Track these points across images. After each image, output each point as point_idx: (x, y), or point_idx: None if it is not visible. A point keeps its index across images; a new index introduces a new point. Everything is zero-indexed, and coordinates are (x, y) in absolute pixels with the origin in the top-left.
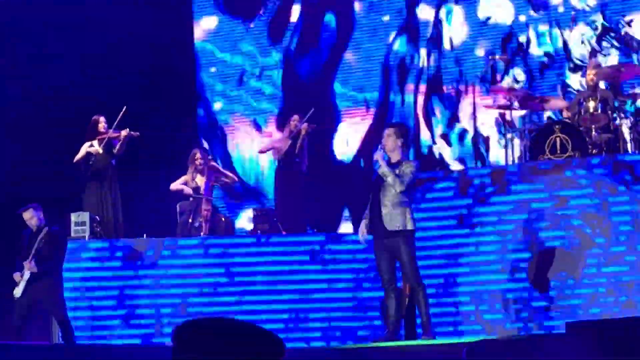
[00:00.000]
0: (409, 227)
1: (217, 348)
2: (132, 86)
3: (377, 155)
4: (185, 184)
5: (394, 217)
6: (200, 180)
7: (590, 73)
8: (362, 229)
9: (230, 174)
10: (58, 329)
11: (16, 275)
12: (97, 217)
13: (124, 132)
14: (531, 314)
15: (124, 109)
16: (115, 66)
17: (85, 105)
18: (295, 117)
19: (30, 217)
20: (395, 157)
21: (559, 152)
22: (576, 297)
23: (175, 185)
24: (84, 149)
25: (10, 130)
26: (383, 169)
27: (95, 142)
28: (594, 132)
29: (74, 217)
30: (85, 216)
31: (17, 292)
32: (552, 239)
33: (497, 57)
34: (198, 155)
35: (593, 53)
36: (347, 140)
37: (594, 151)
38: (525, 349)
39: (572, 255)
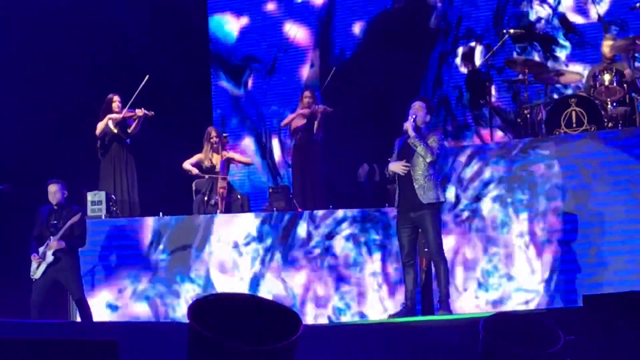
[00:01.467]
0: (442, 199)
1: (233, 324)
2: (147, 62)
3: (407, 125)
4: (200, 162)
5: (427, 189)
6: (216, 159)
7: (606, 45)
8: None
9: (246, 158)
10: (75, 307)
11: (35, 257)
12: (113, 196)
13: (138, 112)
14: (552, 286)
15: (146, 78)
16: (130, 41)
17: (99, 81)
18: (307, 92)
19: (56, 191)
20: (419, 130)
21: (574, 125)
22: (596, 270)
23: (186, 165)
24: (105, 122)
25: (23, 109)
26: (413, 140)
27: (110, 122)
28: (609, 106)
29: (90, 196)
30: (101, 195)
31: (38, 273)
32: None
33: (511, 31)
34: (213, 133)
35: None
36: None
37: (609, 124)
38: (543, 323)
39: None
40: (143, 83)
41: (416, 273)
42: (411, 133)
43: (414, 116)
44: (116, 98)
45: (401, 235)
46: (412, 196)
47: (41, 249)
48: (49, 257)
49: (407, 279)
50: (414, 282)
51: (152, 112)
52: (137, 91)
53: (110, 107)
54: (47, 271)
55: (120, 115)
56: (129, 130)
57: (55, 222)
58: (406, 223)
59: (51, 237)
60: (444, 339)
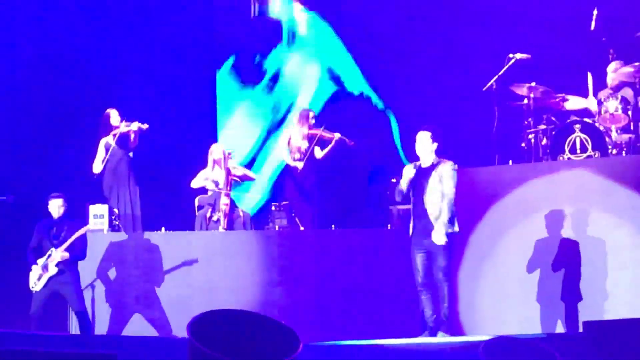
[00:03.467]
0: (455, 229)
1: (232, 340)
2: (151, 77)
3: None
4: (206, 178)
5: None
6: (219, 175)
7: (611, 72)
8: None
9: (249, 173)
10: (75, 319)
11: (36, 268)
12: (115, 209)
13: (133, 126)
14: (552, 313)
15: (146, 126)
16: (133, 56)
17: (100, 96)
18: (312, 113)
19: (61, 205)
20: (429, 159)
21: (578, 152)
22: (597, 297)
23: (197, 182)
24: (102, 148)
25: (24, 119)
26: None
27: (109, 138)
28: (614, 132)
29: (92, 209)
30: (104, 209)
31: (39, 285)
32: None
33: (517, 55)
34: (217, 149)
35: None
36: None
37: (614, 151)
38: (543, 348)
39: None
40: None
41: (434, 296)
42: (440, 234)
43: (418, 164)
44: (114, 113)
45: (416, 261)
46: (427, 225)
47: (41, 261)
48: (52, 269)
49: (425, 303)
50: (432, 305)
51: (146, 125)
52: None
53: (108, 123)
54: (48, 283)
55: (117, 133)
56: (129, 145)
57: (56, 234)
58: (421, 249)
59: (53, 249)
60: None
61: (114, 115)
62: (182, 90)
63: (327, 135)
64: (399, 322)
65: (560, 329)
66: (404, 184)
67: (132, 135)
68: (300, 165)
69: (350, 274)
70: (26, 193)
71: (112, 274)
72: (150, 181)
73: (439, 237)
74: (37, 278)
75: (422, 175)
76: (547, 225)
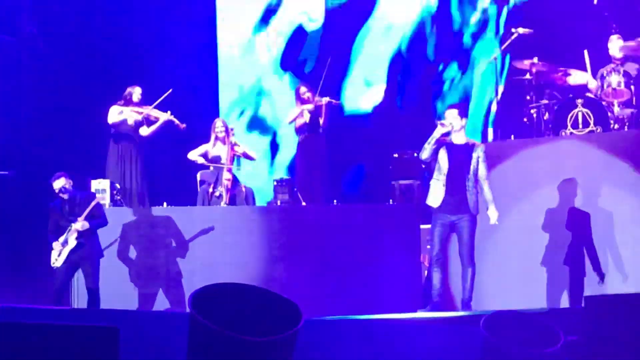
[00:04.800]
0: (475, 211)
1: (233, 314)
2: (155, 51)
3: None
4: (206, 153)
5: (471, 198)
6: (222, 150)
7: (613, 46)
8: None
9: (250, 152)
10: (79, 294)
11: (56, 245)
12: (117, 184)
13: (165, 116)
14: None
15: (169, 91)
16: (139, 34)
17: (108, 68)
18: (303, 88)
19: (65, 182)
20: (460, 138)
21: (580, 126)
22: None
23: (193, 155)
24: (117, 114)
25: (30, 96)
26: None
27: (127, 110)
28: (616, 107)
29: (94, 183)
30: (106, 183)
31: (60, 260)
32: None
33: (520, 30)
34: (219, 124)
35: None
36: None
37: (616, 126)
38: (544, 322)
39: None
40: (166, 95)
41: (444, 271)
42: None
43: (450, 125)
44: (137, 90)
45: (436, 233)
46: (460, 200)
47: (62, 238)
48: (72, 242)
49: (434, 276)
50: (441, 280)
51: (184, 125)
52: (160, 99)
53: (131, 99)
54: (69, 258)
55: (144, 113)
56: (146, 132)
57: (70, 211)
58: (444, 224)
59: (72, 224)
60: (445, 336)
61: (136, 92)
62: (184, 64)
63: (318, 103)
64: (400, 297)
65: (564, 304)
66: (431, 143)
67: (157, 124)
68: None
69: (352, 249)
70: (28, 168)
71: (114, 248)
72: (153, 156)
73: (494, 216)
74: (58, 254)
75: (459, 152)
76: (550, 200)
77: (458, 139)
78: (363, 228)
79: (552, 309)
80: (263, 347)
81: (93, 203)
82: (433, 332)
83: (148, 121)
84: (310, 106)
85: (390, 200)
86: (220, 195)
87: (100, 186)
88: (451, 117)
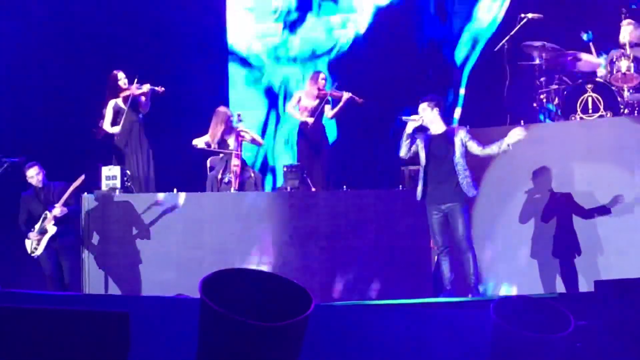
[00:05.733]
0: (471, 193)
1: (244, 300)
2: (162, 40)
3: (415, 121)
4: (211, 139)
5: (466, 184)
6: (229, 136)
7: (624, 31)
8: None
9: (257, 138)
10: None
11: (32, 234)
12: (128, 171)
13: (144, 88)
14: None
15: (161, 89)
16: (144, 18)
17: (110, 54)
18: (323, 74)
19: (37, 172)
20: (438, 127)
21: (590, 111)
22: (607, 255)
23: (197, 141)
24: (110, 109)
25: (37, 85)
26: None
27: (119, 100)
28: (626, 92)
29: (105, 170)
30: (116, 170)
31: (40, 249)
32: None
33: (529, 15)
34: (223, 110)
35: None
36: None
37: (625, 111)
38: (554, 307)
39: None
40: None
41: (451, 259)
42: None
43: (420, 119)
44: (121, 75)
45: (433, 224)
46: (448, 189)
47: (37, 226)
48: (51, 229)
49: (443, 264)
50: (449, 267)
51: (162, 88)
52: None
53: (116, 85)
54: (49, 245)
55: (125, 103)
56: (140, 109)
57: (46, 199)
58: (439, 212)
59: (47, 212)
60: (455, 321)
61: (120, 77)
62: (192, 49)
63: (336, 94)
64: (410, 282)
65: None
66: (404, 140)
67: (144, 98)
68: (310, 120)
69: (362, 234)
70: (39, 154)
71: (124, 234)
72: (161, 143)
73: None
74: (37, 243)
75: (439, 141)
76: (559, 185)
77: (436, 128)
78: (373, 213)
79: (562, 293)
80: (273, 333)
81: (72, 188)
82: (443, 317)
83: (139, 100)
84: (311, 120)
85: (400, 186)
86: (230, 182)
87: (110, 173)
88: (420, 110)
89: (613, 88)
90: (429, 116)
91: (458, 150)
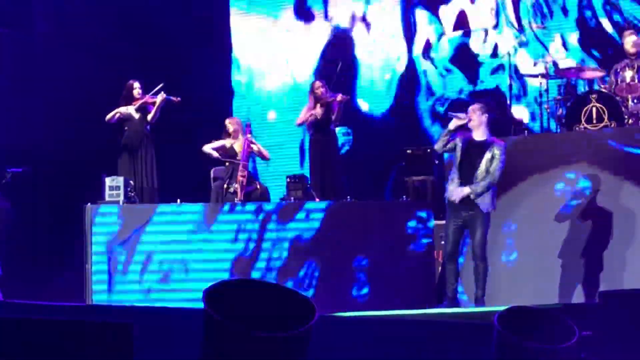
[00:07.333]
0: (485, 208)
1: (247, 310)
2: (167, 50)
3: (459, 122)
4: (222, 147)
5: (485, 196)
6: (237, 146)
7: (628, 42)
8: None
9: (265, 151)
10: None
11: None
12: (131, 181)
13: (159, 97)
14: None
15: (160, 85)
16: (149, 28)
17: (119, 68)
18: (317, 83)
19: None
20: (480, 135)
21: (594, 122)
22: (613, 267)
23: (207, 148)
24: (118, 110)
25: (41, 93)
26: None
27: (130, 107)
28: (630, 102)
29: (108, 181)
30: (119, 180)
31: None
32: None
33: (534, 25)
34: (230, 121)
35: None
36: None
37: (630, 121)
38: (558, 317)
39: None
40: (158, 87)
41: (457, 268)
42: (459, 192)
43: (466, 118)
44: (136, 85)
45: (449, 231)
46: (468, 197)
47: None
48: None
49: (448, 272)
50: (455, 276)
51: (179, 98)
52: (154, 91)
53: (131, 94)
54: None
55: (136, 110)
56: (149, 117)
57: None
58: (457, 220)
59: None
60: (459, 332)
61: (135, 87)
62: (198, 60)
63: (330, 99)
64: (414, 293)
65: (579, 299)
66: (444, 135)
67: (155, 108)
68: (319, 112)
69: (366, 245)
70: (43, 165)
71: (128, 245)
72: (166, 153)
73: (457, 192)
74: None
75: (475, 149)
76: (563, 196)
77: (477, 135)
78: (376, 224)
79: (567, 304)
80: (277, 343)
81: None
82: (447, 328)
83: (149, 109)
84: (319, 111)
85: (404, 197)
86: (235, 192)
87: (114, 183)
88: (470, 111)
89: (617, 98)
90: (476, 120)
91: (485, 164)
